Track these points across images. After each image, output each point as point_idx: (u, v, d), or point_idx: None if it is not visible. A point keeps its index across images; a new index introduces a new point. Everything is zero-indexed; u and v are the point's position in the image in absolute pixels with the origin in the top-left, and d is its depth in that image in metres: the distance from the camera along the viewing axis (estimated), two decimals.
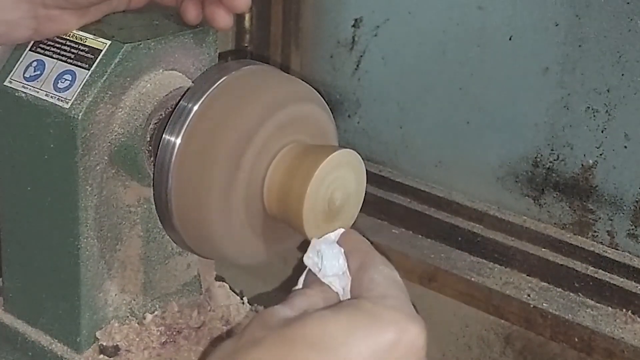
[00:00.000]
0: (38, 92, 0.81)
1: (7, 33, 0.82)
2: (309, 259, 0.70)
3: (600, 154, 1.22)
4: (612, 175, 1.21)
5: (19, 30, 0.82)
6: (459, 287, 1.28)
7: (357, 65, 1.43)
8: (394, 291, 0.64)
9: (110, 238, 0.84)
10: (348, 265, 0.69)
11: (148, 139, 0.81)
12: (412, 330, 0.61)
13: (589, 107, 1.22)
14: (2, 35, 0.82)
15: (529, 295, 1.25)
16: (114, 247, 0.85)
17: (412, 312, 0.62)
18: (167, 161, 0.76)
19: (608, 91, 1.20)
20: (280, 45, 1.48)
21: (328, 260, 0.69)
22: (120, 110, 0.81)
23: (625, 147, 1.20)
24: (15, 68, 0.83)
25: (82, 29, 0.83)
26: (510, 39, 1.27)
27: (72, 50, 0.82)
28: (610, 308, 1.21)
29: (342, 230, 0.73)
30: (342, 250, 0.70)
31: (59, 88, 0.81)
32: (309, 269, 0.70)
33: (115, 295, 0.86)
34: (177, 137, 0.76)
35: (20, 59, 0.84)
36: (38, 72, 0.82)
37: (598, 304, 1.22)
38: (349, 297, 0.67)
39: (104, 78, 0.80)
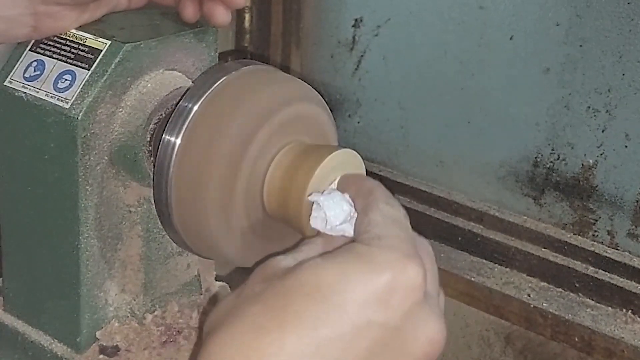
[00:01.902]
0: (38, 92, 0.81)
1: (6, 30, 0.82)
2: (315, 218, 0.68)
3: (601, 154, 1.22)
4: (613, 175, 1.22)
5: (18, 28, 0.82)
6: (459, 287, 1.28)
7: (358, 65, 1.43)
8: (392, 230, 0.62)
9: (110, 238, 0.84)
10: (355, 208, 0.66)
11: (148, 139, 0.81)
12: (409, 269, 0.59)
13: (589, 107, 1.22)
14: (2, 33, 0.82)
15: (529, 295, 1.25)
16: (114, 247, 0.85)
17: (409, 251, 0.60)
18: (167, 161, 0.76)
19: (609, 91, 1.20)
20: (280, 45, 1.48)
21: (331, 209, 0.67)
22: (121, 110, 0.81)
23: (626, 147, 1.20)
24: (15, 68, 0.83)
25: (82, 29, 0.83)
26: (511, 38, 1.27)
27: (72, 50, 0.82)
28: (610, 308, 1.21)
29: (339, 177, 0.71)
30: (347, 195, 0.68)
31: (59, 88, 0.81)
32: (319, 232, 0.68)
33: (116, 295, 0.86)
34: (177, 137, 0.76)
35: (20, 59, 0.84)
36: (38, 72, 0.82)
37: (598, 304, 1.22)
38: None
39: (104, 78, 0.80)
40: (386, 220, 0.63)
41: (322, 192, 0.70)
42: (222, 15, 0.83)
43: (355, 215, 0.66)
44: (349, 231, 0.66)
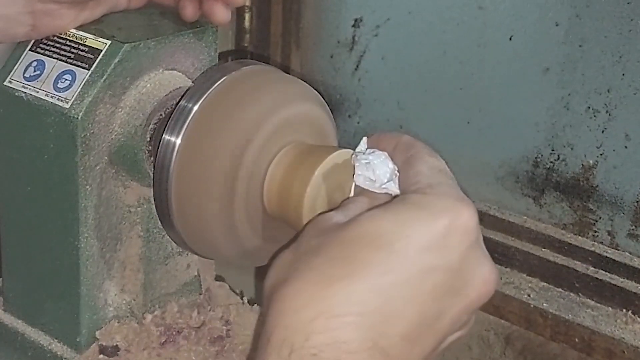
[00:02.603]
0: (38, 92, 0.81)
1: (5, 29, 0.82)
2: (359, 176, 0.69)
3: (601, 154, 1.22)
4: (613, 175, 1.21)
5: (16, 27, 0.82)
6: None
7: (357, 65, 1.43)
8: (441, 179, 0.65)
9: (110, 238, 0.84)
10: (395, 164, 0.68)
11: (148, 139, 0.81)
12: (464, 213, 0.61)
13: (589, 107, 1.22)
14: (0, 32, 0.82)
15: (529, 295, 1.25)
16: (114, 247, 0.85)
17: (461, 196, 0.63)
18: (167, 161, 0.76)
19: (608, 91, 1.20)
20: (280, 45, 1.48)
21: (379, 168, 0.68)
22: (120, 110, 0.81)
23: (626, 147, 1.20)
24: (15, 68, 0.83)
25: (81, 29, 0.83)
26: (510, 39, 1.27)
27: (72, 50, 0.82)
28: (610, 308, 1.21)
29: (365, 138, 0.72)
30: (386, 154, 0.69)
31: (59, 88, 0.81)
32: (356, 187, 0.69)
33: (115, 295, 0.86)
34: (177, 137, 0.76)
35: (20, 59, 0.84)
36: (38, 72, 0.82)
37: (598, 304, 1.22)
38: None
39: (104, 78, 0.80)
40: (433, 170, 0.65)
41: (363, 151, 0.70)
42: (222, 14, 0.83)
43: (397, 172, 0.67)
44: (393, 189, 0.67)
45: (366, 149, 0.71)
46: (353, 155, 0.70)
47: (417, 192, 0.63)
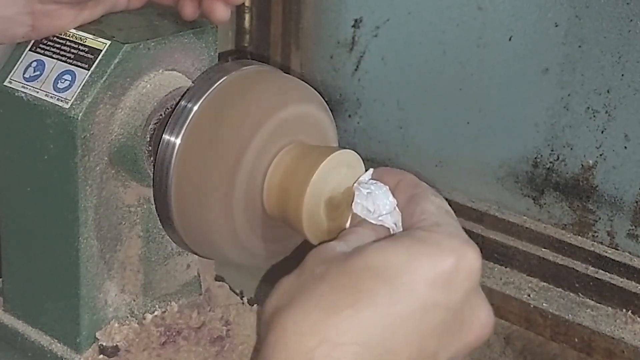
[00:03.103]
0: (38, 92, 0.81)
1: (5, 30, 0.82)
2: (358, 204, 0.70)
3: (600, 154, 1.22)
4: (612, 176, 1.21)
5: (16, 27, 0.82)
6: None
7: (357, 66, 1.43)
8: (447, 219, 0.65)
9: (110, 238, 0.84)
10: (396, 199, 0.69)
11: (148, 139, 0.81)
12: (469, 255, 0.62)
13: (589, 108, 1.22)
14: (0, 33, 0.82)
15: (529, 295, 1.25)
16: (114, 247, 0.85)
17: (467, 238, 0.64)
18: (167, 161, 0.76)
19: (608, 92, 1.20)
20: (280, 45, 1.48)
21: (379, 199, 0.69)
22: (120, 110, 0.81)
23: (625, 147, 1.20)
24: (15, 68, 0.83)
25: (81, 29, 0.83)
26: (510, 39, 1.27)
27: (72, 50, 0.82)
28: (610, 308, 1.21)
29: (371, 170, 0.73)
30: (388, 187, 0.70)
31: (59, 88, 0.81)
32: (354, 215, 0.70)
33: (115, 295, 0.86)
34: (177, 137, 0.76)
35: (20, 59, 0.84)
36: (38, 72, 0.82)
37: (598, 304, 1.22)
38: (401, 230, 0.67)
39: (104, 78, 0.80)
40: (440, 210, 0.66)
41: (366, 181, 0.72)
42: (221, 12, 0.83)
43: (397, 209, 0.69)
44: (390, 223, 0.68)
45: (369, 180, 0.72)
46: (355, 184, 0.72)
47: (424, 229, 0.64)
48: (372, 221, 0.69)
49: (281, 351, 0.59)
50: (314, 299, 0.60)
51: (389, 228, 0.68)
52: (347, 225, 0.75)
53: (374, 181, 0.71)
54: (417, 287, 0.60)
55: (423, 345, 0.60)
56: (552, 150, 1.27)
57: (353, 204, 0.70)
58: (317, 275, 0.62)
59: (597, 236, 1.25)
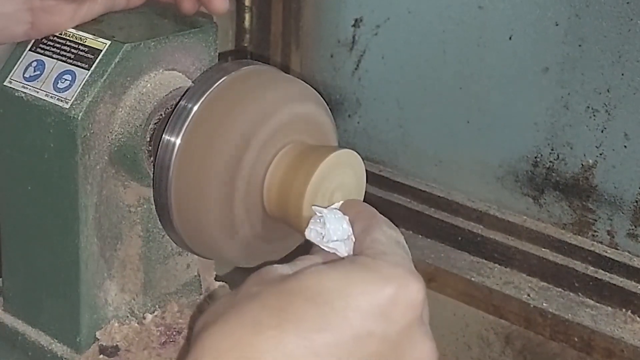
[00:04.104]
0: (38, 92, 0.81)
1: (4, 28, 0.82)
2: (311, 230, 0.68)
3: (600, 154, 1.22)
4: (612, 175, 1.22)
5: (15, 25, 0.82)
6: (459, 287, 1.29)
7: (357, 65, 1.43)
8: (396, 249, 0.62)
9: (110, 238, 0.84)
10: (353, 230, 0.67)
11: (148, 139, 0.81)
12: (411, 285, 0.59)
13: (588, 107, 1.22)
14: (0, 32, 0.82)
15: (529, 295, 1.25)
16: (114, 246, 0.85)
17: (412, 269, 0.60)
18: (167, 161, 0.76)
19: (608, 91, 1.20)
20: (280, 45, 1.48)
21: (331, 224, 0.67)
22: (120, 110, 0.81)
23: (625, 147, 1.20)
24: (15, 68, 0.83)
25: (81, 29, 0.83)
26: (510, 38, 1.27)
27: (72, 50, 0.82)
28: (610, 308, 1.21)
29: (342, 201, 0.72)
30: (346, 217, 0.68)
31: (59, 88, 0.81)
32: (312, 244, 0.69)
33: (115, 295, 0.86)
34: (177, 137, 0.76)
35: (20, 59, 0.84)
36: (38, 72, 0.82)
37: (598, 304, 1.22)
38: None
39: (104, 78, 0.80)
40: (390, 240, 0.64)
41: (325, 207, 0.70)
42: (220, 3, 0.83)
43: (352, 238, 0.67)
44: (342, 251, 0.66)
45: (327, 207, 0.70)
46: (314, 207, 0.70)
47: (368, 256, 0.61)
48: (324, 247, 0.67)
49: None
50: (241, 317, 0.58)
51: (340, 256, 0.66)
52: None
53: (332, 208, 0.70)
54: (349, 314, 0.57)
55: None
56: (552, 150, 1.27)
57: (307, 229, 0.69)
58: (252, 294, 0.59)
59: (597, 236, 1.25)
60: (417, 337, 0.59)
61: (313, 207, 0.70)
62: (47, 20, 0.82)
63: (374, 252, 0.62)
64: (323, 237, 0.67)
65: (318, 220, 0.69)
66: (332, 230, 0.67)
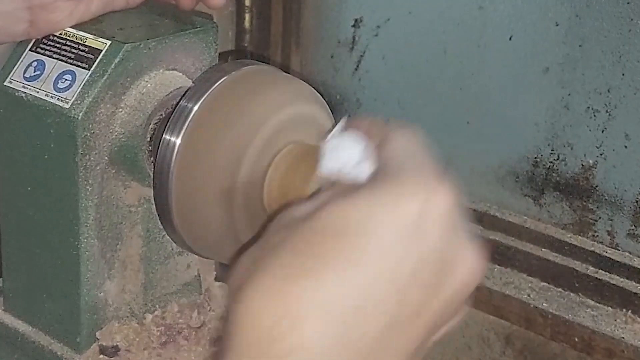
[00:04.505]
0: (38, 92, 0.81)
1: (4, 27, 0.82)
2: (325, 165, 0.62)
3: (601, 154, 1.22)
4: (612, 175, 1.22)
5: (14, 24, 0.82)
6: None
7: (358, 65, 1.43)
8: (414, 159, 0.59)
9: (110, 238, 0.84)
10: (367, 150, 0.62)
11: (148, 139, 0.81)
12: (435, 195, 0.55)
13: (589, 107, 1.22)
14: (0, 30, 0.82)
15: (529, 295, 1.25)
16: (114, 247, 0.85)
17: (435, 175, 0.57)
18: (167, 161, 0.76)
19: (608, 91, 1.20)
20: (280, 45, 1.48)
21: (346, 149, 0.62)
22: (121, 110, 0.81)
23: (625, 147, 1.20)
24: (15, 68, 0.83)
25: (81, 29, 0.83)
26: (510, 38, 1.27)
27: (72, 50, 0.82)
28: (610, 308, 1.21)
29: (344, 119, 0.65)
30: (359, 135, 0.63)
31: (59, 88, 0.81)
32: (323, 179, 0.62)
33: (116, 295, 0.86)
34: (177, 137, 0.76)
35: (20, 59, 0.84)
36: (38, 72, 0.82)
37: (598, 304, 1.22)
38: None
39: (104, 78, 0.80)
40: (406, 151, 0.60)
41: (333, 135, 0.64)
42: None
43: (370, 156, 0.61)
44: (364, 174, 0.60)
45: (336, 132, 0.64)
46: (321, 143, 0.64)
47: (386, 176, 0.57)
48: (347, 176, 0.61)
49: (241, 332, 0.54)
50: (273, 271, 0.55)
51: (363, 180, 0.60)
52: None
53: (340, 131, 0.64)
54: (382, 242, 0.54)
55: (401, 304, 0.54)
56: (552, 150, 1.27)
57: (320, 166, 0.63)
58: (278, 242, 0.56)
59: (597, 236, 1.25)
60: (458, 245, 0.57)
61: (321, 143, 0.64)
62: (46, 18, 0.82)
63: (390, 170, 0.58)
64: (340, 168, 0.61)
65: (331, 151, 0.63)
66: (347, 156, 0.62)
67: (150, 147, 0.81)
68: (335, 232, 0.55)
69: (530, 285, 1.26)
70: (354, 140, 0.63)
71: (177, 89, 0.83)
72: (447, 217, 0.56)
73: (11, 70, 0.83)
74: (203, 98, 0.76)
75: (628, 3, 1.16)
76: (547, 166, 1.27)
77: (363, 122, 0.64)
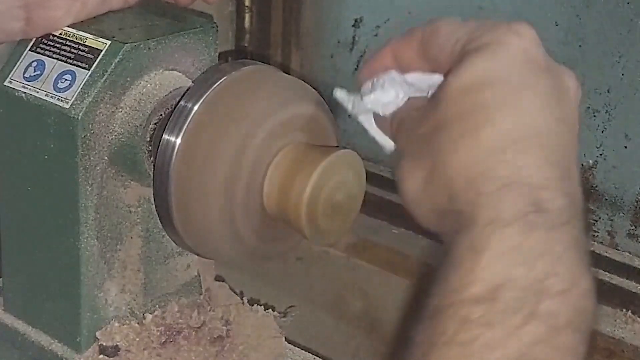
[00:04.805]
0: (38, 92, 0.81)
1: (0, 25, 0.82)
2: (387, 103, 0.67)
3: (600, 154, 1.22)
4: (612, 175, 1.22)
5: (10, 21, 0.81)
6: None
7: (358, 66, 1.43)
8: (469, 23, 0.69)
9: (110, 238, 0.84)
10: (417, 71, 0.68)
11: (148, 139, 0.81)
12: (509, 37, 0.62)
13: (589, 107, 1.22)
14: None
15: None
16: (114, 247, 0.85)
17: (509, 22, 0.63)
18: (167, 161, 0.76)
19: (608, 91, 1.20)
20: (280, 45, 1.48)
21: (387, 89, 0.67)
22: (120, 110, 0.81)
23: (625, 147, 1.20)
24: (15, 68, 0.83)
25: (81, 29, 0.83)
26: None
27: (72, 50, 0.82)
28: (610, 308, 1.21)
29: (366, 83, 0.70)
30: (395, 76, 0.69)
31: (59, 88, 0.81)
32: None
33: (116, 295, 0.86)
34: (177, 137, 0.76)
35: (20, 59, 0.84)
36: (38, 72, 0.82)
37: (598, 304, 1.22)
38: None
39: (104, 78, 0.80)
40: (455, 24, 0.69)
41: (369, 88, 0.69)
42: None
43: (413, 75, 0.67)
44: (421, 86, 0.66)
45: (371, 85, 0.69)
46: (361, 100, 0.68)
47: (472, 40, 0.64)
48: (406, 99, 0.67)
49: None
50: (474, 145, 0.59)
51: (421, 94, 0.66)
52: (349, 226, 0.75)
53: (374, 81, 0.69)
54: (518, 71, 0.60)
55: (564, 111, 0.60)
56: None
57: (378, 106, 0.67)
58: (438, 125, 0.60)
59: (597, 236, 1.25)
60: (560, 69, 0.62)
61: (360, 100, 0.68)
62: (42, 15, 0.82)
63: (471, 42, 0.64)
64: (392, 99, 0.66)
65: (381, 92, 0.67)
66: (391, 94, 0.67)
67: (150, 147, 0.81)
68: (484, 84, 0.60)
69: None
70: (388, 81, 0.68)
71: (177, 89, 0.83)
72: (539, 50, 0.62)
73: (11, 70, 0.83)
74: (203, 98, 0.76)
75: (628, 3, 1.16)
76: None
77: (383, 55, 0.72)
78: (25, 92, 0.82)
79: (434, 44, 0.68)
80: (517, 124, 0.59)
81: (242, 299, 0.93)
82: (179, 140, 0.76)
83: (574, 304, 0.57)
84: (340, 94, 0.69)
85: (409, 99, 0.67)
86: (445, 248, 0.58)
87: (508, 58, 0.60)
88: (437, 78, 0.65)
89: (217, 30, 0.87)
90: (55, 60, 0.82)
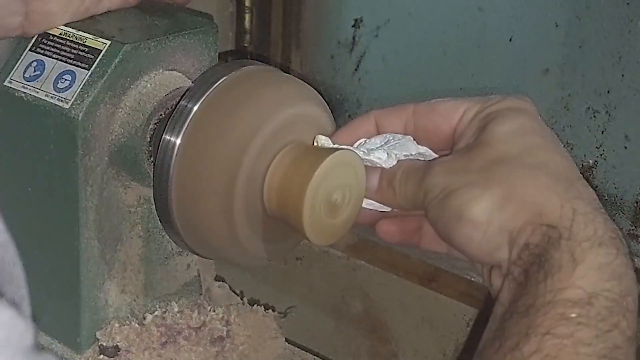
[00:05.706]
0: (38, 92, 0.81)
1: None
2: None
3: (600, 155, 1.22)
4: (612, 176, 1.21)
5: (8, 16, 0.81)
6: (459, 287, 1.28)
7: (358, 66, 1.43)
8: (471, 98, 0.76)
9: (110, 238, 0.84)
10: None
11: (148, 139, 0.81)
12: (524, 102, 0.75)
13: (589, 108, 1.22)
14: None
15: None
16: (114, 247, 0.85)
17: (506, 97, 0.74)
18: (167, 161, 0.76)
19: (608, 92, 1.20)
20: (280, 45, 1.48)
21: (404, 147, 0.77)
22: (121, 110, 0.81)
23: (625, 147, 1.20)
24: (15, 68, 0.83)
25: (81, 29, 0.83)
26: (510, 40, 1.27)
27: (72, 50, 0.82)
28: None
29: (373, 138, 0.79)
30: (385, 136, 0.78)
31: (59, 88, 0.81)
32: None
33: (116, 295, 0.86)
34: (177, 137, 0.76)
35: (20, 59, 0.84)
36: (38, 72, 0.82)
37: None
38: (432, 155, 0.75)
39: (104, 78, 0.80)
40: (461, 100, 0.76)
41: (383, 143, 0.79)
42: None
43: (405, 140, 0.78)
44: (412, 151, 0.76)
45: (380, 143, 0.77)
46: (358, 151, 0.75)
47: (491, 106, 0.73)
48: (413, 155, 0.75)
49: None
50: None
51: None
52: (349, 226, 0.75)
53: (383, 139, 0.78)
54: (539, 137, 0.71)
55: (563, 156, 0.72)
56: None
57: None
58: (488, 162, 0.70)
59: None
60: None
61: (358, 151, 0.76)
62: (40, 9, 0.82)
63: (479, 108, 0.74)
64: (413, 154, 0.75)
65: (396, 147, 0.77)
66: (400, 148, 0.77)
67: (150, 148, 0.81)
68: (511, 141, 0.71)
69: None
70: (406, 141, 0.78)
71: (177, 89, 0.83)
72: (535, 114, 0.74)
73: (11, 70, 0.83)
74: (203, 98, 0.76)
75: (628, 4, 1.15)
76: None
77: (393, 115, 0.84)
78: (25, 92, 0.82)
79: (432, 117, 0.77)
80: (571, 163, 0.70)
81: (242, 299, 0.93)
82: (179, 141, 0.76)
83: (637, 322, 0.66)
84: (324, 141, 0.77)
85: (398, 160, 0.75)
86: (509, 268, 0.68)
87: (531, 117, 0.72)
88: (425, 150, 0.76)
89: (217, 30, 0.87)
90: (55, 61, 0.82)
